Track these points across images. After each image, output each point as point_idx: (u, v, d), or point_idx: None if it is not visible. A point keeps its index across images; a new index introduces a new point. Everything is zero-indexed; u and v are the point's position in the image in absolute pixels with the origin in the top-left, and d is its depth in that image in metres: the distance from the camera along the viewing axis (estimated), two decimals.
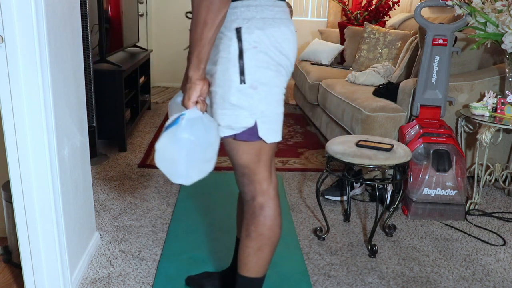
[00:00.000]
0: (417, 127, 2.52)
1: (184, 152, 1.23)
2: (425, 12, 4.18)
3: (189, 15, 1.33)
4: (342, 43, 4.71)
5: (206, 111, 1.28)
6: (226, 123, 1.27)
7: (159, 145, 1.23)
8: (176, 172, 1.26)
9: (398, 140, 2.67)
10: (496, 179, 2.69)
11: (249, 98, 1.24)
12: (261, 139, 1.29)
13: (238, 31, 1.21)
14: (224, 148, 1.37)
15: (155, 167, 3.03)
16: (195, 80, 1.23)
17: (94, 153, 3.05)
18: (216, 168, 3.30)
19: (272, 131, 1.30)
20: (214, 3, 1.14)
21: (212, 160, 1.27)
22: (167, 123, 1.25)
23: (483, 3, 2.46)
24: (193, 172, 1.26)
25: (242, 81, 1.23)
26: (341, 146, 2.10)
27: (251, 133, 1.28)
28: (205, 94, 1.26)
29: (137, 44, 4.34)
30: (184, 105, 1.24)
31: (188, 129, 1.21)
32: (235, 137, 1.29)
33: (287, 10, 1.31)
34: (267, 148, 1.34)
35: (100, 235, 2.15)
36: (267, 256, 1.41)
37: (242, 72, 1.22)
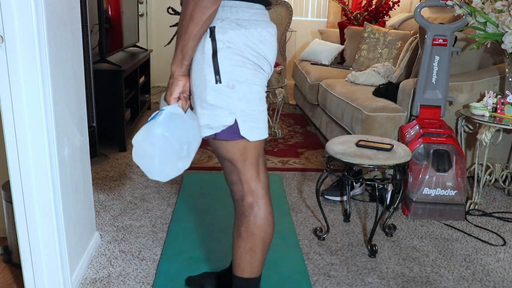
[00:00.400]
0: (417, 127, 2.52)
1: (157, 148, 1.21)
2: (425, 12, 4.18)
3: (170, 10, 1.35)
4: (342, 43, 4.71)
5: (190, 108, 1.27)
6: (205, 122, 1.27)
7: (135, 139, 1.22)
8: (151, 168, 1.24)
9: (398, 140, 2.67)
10: (496, 179, 2.69)
11: (227, 97, 1.24)
12: (243, 138, 1.29)
13: (212, 30, 1.21)
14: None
15: None
16: (177, 75, 1.23)
17: (94, 153, 3.05)
18: (216, 168, 3.30)
19: (255, 129, 1.30)
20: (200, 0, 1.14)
21: (188, 158, 1.25)
22: (149, 117, 1.25)
23: (483, 3, 2.46)
24: (168, 169, 1.25)
25: (218, 80, 1.22)
26: (341, 146, 2.10)
27: (232, 132, 1.28)
28: (188, 91, 1.27)
29: (137, 44, 4.34)
30: (166, 100, 1.24)
31: (164, 125, 1.20)
32: (215, 136, 1.29)
33: (265, 12, 1.30)
34: (252, 147, 1.33)
35: (100, 235, 2.15)
36: (260, 256, 1.40)
37: (217, 72, 1.22)
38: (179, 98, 1.25)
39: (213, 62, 1.22)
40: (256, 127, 1.30)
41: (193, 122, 1.26)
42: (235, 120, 1.26)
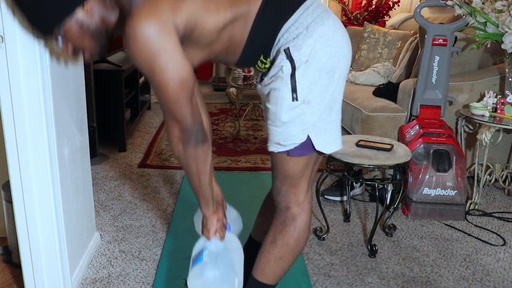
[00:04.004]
0: (417, 127, 2.52)
1: (212, 285, 1.31)
2: (425, 12, 4.18)
3: None
4: None
5: (227, 230, 1.40)
6: (276, 140, 1.27)
7: (190, 283, 1.33)
8: None
9: (398, 140, 2.67)
10: (496, 179, 2.69)
11: (301, 113, 1.23)
12: (316, 151, 1.29)
13: (287, 51, 1.20)
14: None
15: (155, 167, 3.03)
16: (209, 215, 1.35)
17: (94, 153, 3.05)
18: (216, 168, 3.29)
19: (329, 140, 1.29)
20: (199, 156, 1.21)
21: (240, 285, 1.36)
22: (193, 254, 1.38)
23: (483, 3, 2.46)
24: None
25: (294, 98, 1.22)
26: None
27: (304, 148, 1.28)
28: (222, 219, 1.37)
29: None
30: (205, 236, 1.36)
31: (212, 265, 1.31)
32: (288, 153, 1.29)
33: (318, 3, 1.27)
34: (313, 161, 1.35)
35: (100, 235, 2.15)
36: (287, 266, 1.42)
37: (294, 90, 1.21)
38: (216, 232, 1.36)
39: (291, 80, 1.21)
40: (329, 138, 1.29)
41: (234, 251, 1.38)
42: (308, 136, 1.26)
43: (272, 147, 1.30)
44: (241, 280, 1.37)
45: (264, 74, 1.30)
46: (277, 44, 1.23)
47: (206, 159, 1.23)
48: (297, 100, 1.22)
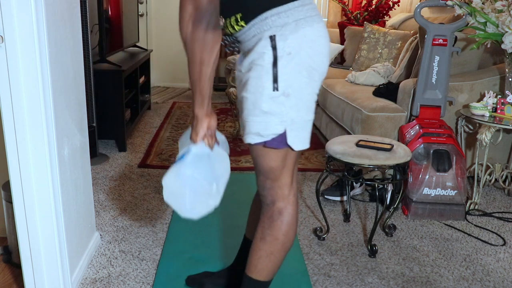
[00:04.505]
0: (417, 127, 2.52)
1: (187, 188, 1.26)
2: (425, 12, 4.18)
3: None
4: (342, 43, 4.71)
5: (217, 143, 1.31)
6: (256, 130, 1.27)
7: (165, 181, 1.26)
8: (183, 208, 1.28)
9: (398, 140, 2.67)
10: (496, 179, 2.69)
11: (281, 105, 1.23)
12: (289, 146, 1.29)
13: (272, 39, 1.21)
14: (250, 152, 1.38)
15: (155, 167, 3.03)
16: (201, 117, 1.26)
17: (94, 153, 3.05)
18: None
19: (300, 139, 1.30)
20: (207, 42, 1.17)
21: (217, 194, 1.29)
22: (177, 157, 1.29)
23: (483, 3, 2.46)
24: (198, 207, 1.29)
25: (275, 88, 1.22)
26: (341, 146, 2.10)
27: (280, 140, 1.28)
28: (213, 129, 1.29)
29: (137, 44, 4.34)
30: (192, 140, 1.28)
31: (193, 166, 1.24)
32: (265, 144, 1.29)
33: (315, 6, 1.30)
34: (293, 155, 1.34)
35: (100, 235, 2.15)
36: (278, 261, 1.41)
37: (275, 80, 1.22)
38: (204, 137, 1.28)
39: (273, 70, 1.21)
40: (301, 137, 1.30)
41: (220, 158, 1.29)
42: (285, 129, 1.26)
43: (250, 139, 1.28)
44: (220, 191, 1.30)
45: (243, 54, 1.28)
46: (261, 22, 1.22)
47: (213, 48, 1.19)
48: (277, 90, 1.22)
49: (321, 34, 1.26)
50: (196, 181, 1.25)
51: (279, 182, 1.36)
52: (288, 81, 1.22)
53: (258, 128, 1.26)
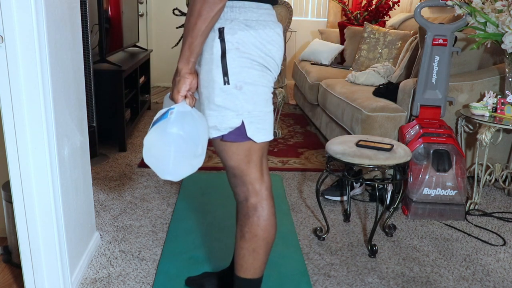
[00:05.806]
0: (417, 127, 2.52)
1: (172, 147, 1.20)
2: (425, 12, 4.18)
3: (176, 12, 1.33)
4: (342, 43, 4.71)
5: (194, 106, 1.26)
6: (212, 123, 1.27)
7: (147, 140, 1.21)
8: (164, 168, 1.23)
9: (398, 140, 2.67)
10: (496, 179, 2.69)
11: (234, 99, 1.24)
12: (250, 139, 1.29)
13: (221, 31, 1.21)
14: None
15: None
16: (184, 73, 1.21)
17: (94, 153, 3.05)
18: (216, 168, 3.29)
19: (261, 130, 1.30)
20: None
21: (202, 155, 1.25)
22: (155, 117, 1.22)
23: (483, 3, 2.46)
24: (182, 168, 1.24)
25: (226, 82, 1.22)
26: (341, 146, 2.10)
27: (239, 134, 1.28)
28: (195, 89, 1.25)
29: (137, 44, 4.34)
30: (173, 98, 1.23)
31: (178, 124, 1.19)
32: (222, 138, 1.29)
33: (273, 12, 1.31)
34: (256, 148, 1.34)
35: (100, 235, 2.15)
36: (262, 257, 1.41)
37: (225, 73, 1.22)
38: (185, 96, 1.23)
39: (222, 63, 1.22)
40: (262, 128, 1.30)
41: (201, 119, 1.25)
42: (242, 122, 1.26)
43: (211, 133, 1.28)
44: (203, 153, 1.25)
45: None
46: None
47: (215, 5, 1.15)
48: (228, 84, 1.22)
49: (272, 40, 1.26)
50: (182, 140, 1.19)
51: (248, 177, 1.35)
52: (239, 75, 1.23)
53: (215, 122, 1.26)
